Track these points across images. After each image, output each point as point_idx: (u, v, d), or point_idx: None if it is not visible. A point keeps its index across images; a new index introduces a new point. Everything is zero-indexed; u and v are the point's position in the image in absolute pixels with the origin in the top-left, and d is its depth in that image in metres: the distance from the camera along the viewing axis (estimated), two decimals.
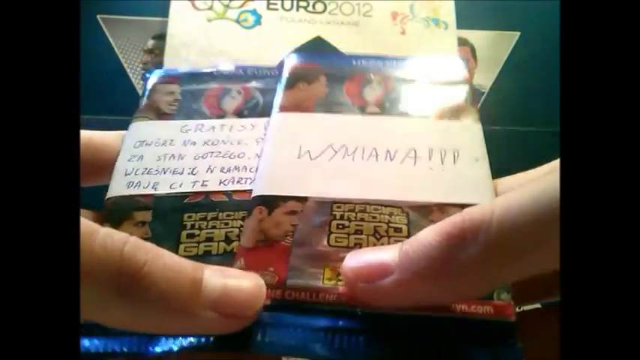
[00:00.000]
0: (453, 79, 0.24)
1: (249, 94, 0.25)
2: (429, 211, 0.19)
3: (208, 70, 0.26)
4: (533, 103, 0.41)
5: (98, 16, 0.43)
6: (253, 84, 0.25)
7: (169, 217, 0.20)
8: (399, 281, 0.16)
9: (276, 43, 0.44)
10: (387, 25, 0.45)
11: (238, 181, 0.21)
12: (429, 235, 0.16)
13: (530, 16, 0.44)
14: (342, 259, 0.17)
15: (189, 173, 0.22)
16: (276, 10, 0.45)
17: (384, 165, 0.20)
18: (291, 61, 0.25)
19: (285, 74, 0.24)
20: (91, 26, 0.42)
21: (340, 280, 0.17)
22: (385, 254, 0.16)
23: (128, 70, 0.42)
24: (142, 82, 0.28)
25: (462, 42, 0.44)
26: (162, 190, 0.21)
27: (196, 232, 0.20)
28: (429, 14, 0.46)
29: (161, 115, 0.24)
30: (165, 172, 0.22)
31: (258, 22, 0.45)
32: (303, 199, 0.19)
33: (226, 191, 0.21)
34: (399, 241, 0.17)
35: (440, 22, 0.45)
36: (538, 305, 0.22)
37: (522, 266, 0.15)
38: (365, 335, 0.16)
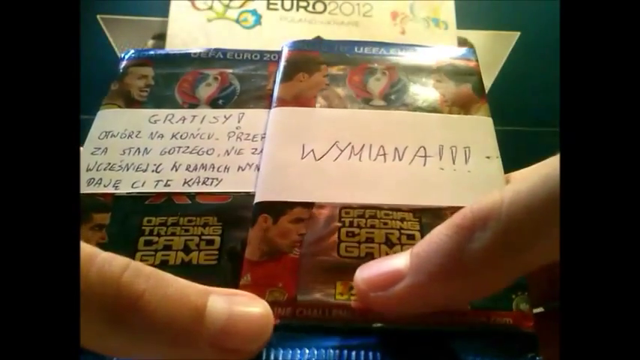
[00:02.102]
0: (462, 69, 0.22)
1: (226, 80, 0.23)
2: (441, 215, 0.18)
3: (185, 52, 0.25)
4: (533, 103, 0.40)
5: (98, 16, 0.43)
6: (232, 70, 0.24)
7: (128, 221, 0.19)
8: (411, 285, 0.15)
9: (276, 43, 0.44)
10: (387, 25, 0.45)
11: (204, 182, 0.20)
12: (438, 231, 0.15)
13: (530, 16, 0.44)
14: (353, 272, 0.16)
15: (153, 170, 0.20)
16: (276, 10, 0.45)
17: (392, 166, 0.19)
18: (289, 49, 0.23)
19: (283, 63, 0.23)
20: (91, 26, 0.42)
21: (353, 295, 0.17)
22: (396, 260, 0.16)
23: None
24: None
25: (462, 42, 0.44)
26: (124, 189, 0.20)
27: (154, 238, 0.18)
28: (429, 14, 0.46)
29: (131, 102, 0.23)
30: (128, 169, 0.20)
31: (258, 22, 0.45)
32: (309, 205, 0.18)
33: (189, 193, 0.20)
34: None
35: (440, 22, 0.45)
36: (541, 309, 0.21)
37: (537, 253, 0.14)
38: (380, 351, 0.16)
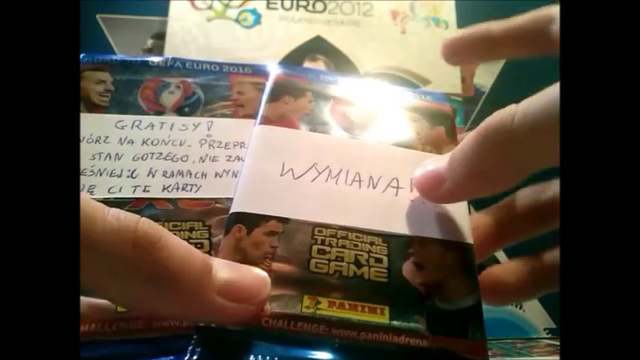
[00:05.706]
0: (436, 113, 0.24)
1: (189, 89, 0.23)
2: (409, 243, 0.19)
3: (142, 59, 0.24)
4: None
5: (98, 16, 0.43)
6: (193, 79, 0.24)
7: None
8: (450, 187, 0.18)
9: (276, 43, 0.44)
10: (387, 24, 0.45)
11: (184, 188, 0.20)
12: (469, 135, 0.18)
13: None
14: (321, 287, 0.17)
15: (128, 176, 0.20)
16: (276, 9, 0.45)
17: (366, 192, 0.20)
18: (277, 72, 0.24)
19: (270, 84, 0.23)
20: (91, 26, 0.42)
21: (319, 309, 0.17)
22: (441, 162, 0.19)
23: None
24: None
25: None
26: (100, 194, 0.19)
27: None
28: (429, 13, 0.46)
29: (92, 106, 0.22)
30: (101, 174, 0.20)
31: (257, 21, 0.45)
32: (284, 220, 0.19)
33: (171, 199, 0.20)
34: (379, 270, 0.18)
35: (440, 21, 0.45)
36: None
37: (543, 156, 0.16)
38: None
